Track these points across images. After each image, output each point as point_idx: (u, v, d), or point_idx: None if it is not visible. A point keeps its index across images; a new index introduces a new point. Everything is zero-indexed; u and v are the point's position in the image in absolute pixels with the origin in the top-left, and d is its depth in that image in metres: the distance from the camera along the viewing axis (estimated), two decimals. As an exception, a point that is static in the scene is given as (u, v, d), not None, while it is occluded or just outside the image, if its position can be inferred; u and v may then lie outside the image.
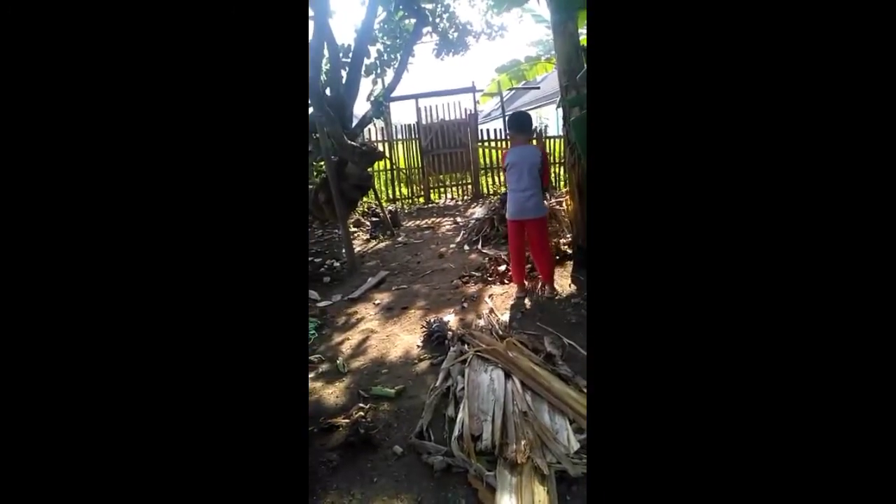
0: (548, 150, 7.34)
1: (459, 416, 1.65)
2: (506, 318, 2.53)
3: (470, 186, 7.35)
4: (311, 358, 2.33)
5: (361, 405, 1.84)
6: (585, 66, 2.63)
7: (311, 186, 4.46)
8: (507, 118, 2.81)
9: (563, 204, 4.11)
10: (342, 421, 1.72)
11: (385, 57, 5.67)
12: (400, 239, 4.91)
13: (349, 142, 4.13)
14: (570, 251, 3.42)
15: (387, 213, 5.44)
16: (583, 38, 3.39)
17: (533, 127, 2.73)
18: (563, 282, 3.03)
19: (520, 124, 2.79)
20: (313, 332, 2.67)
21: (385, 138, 7.11)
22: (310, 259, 4.10)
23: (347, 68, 4.67)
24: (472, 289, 3.14)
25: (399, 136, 7.31)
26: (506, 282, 3.17)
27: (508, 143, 2.92)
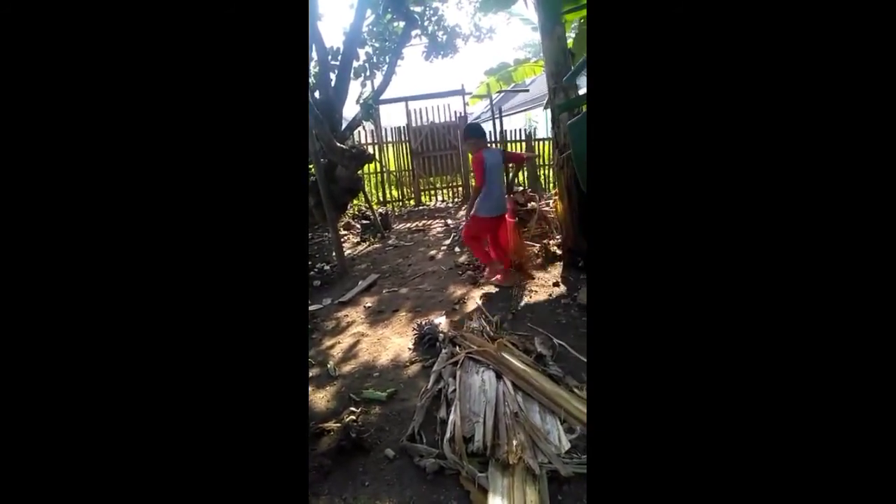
0: (537, 153, 7.39)
1: (451, 418, 1.65)
2: (497, 319, 2.54)
3: (460, 188, 7.37)
4: (302, 362, 2.31)
5: (352, 409, 1.83)
6: (572, 68, 2.66)
7: (300, 189, 4.42)
8: (466, 129, 3.17)
9: (552, 205, 4.14)
10: (333, 425, 1.71)
11: (374, 59, 5.67)
12: (390, 241, 4.90)
13: (338, 145, 4.12)
14: (559, 252, 3.45)
15: (377, 215, 5.43)
16: (570, 41, 3.43)
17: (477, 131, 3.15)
18: (553, 281, 3.05)
19: (481, 131, 3.09)
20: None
21: (375, 141, 7.10)
22: (299, 262, 4.06)
23: (336, 71, 4.66)
24: (463, 290, 3.14)
25: (389, 139, 7.30)
26: (494, 284, 3.18)
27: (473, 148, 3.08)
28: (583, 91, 2.84)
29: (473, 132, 3.07)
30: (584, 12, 2.68)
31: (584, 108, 2.26)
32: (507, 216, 3.17)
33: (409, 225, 5.80)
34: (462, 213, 5.91)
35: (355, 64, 5.01)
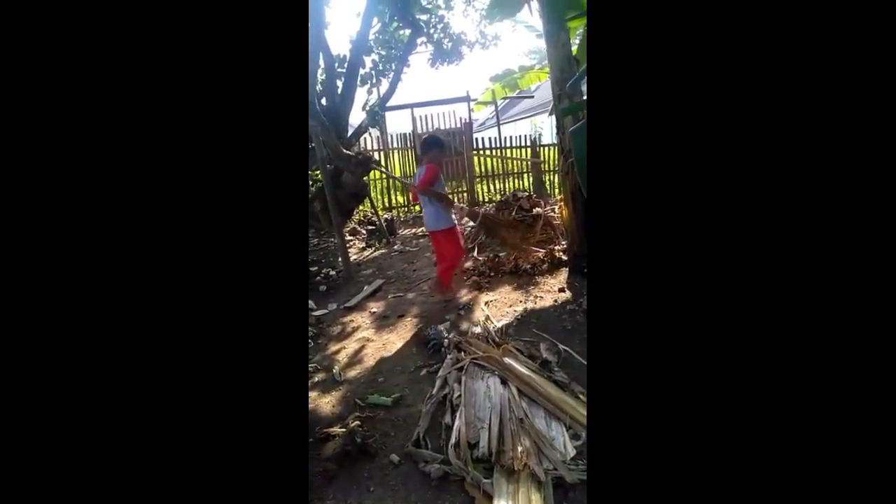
0: (542, 158, 7.39)
1: (456, 423, 1.65)
2: (502, 324, 2.53)
3: (466, 194, 7.38)
4: (307, 367, 2.32)
5: (358, 414, 1.83)
6: (576, 74, 2.68)
7: (306, 195, 4.46)
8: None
9: (558, 211, 4.14)
10: (338, 430, 1.71)
11: (380, 67, 5.73)
12: (396, 247, 4.91)
13: (345, 151, 4.15)
14: (565, 258, 3.44)
15: (383, 221, 5.45)
16: (574, 48, 3.44)
17: (437, 146, 2.97)
18: (559, 287, 3.04)
19: (421, 147, 3.09)
20: (309, 341, 2.66)
21: (381, 147, 7.15)
22: (306, 268, 4.08)
23: (343, 78, 4.71)
24: (468, 296, 3.14)
25: (395, 145, 7.35)
26: (497, 288, 3.17)
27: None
28: (586, 97, 2.85)
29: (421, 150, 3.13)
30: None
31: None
32: (447, 230, 2.94)
33: (414, 230, 5.81)
34: (466, 218, 5.92)
35: (362, 71, 5.07)
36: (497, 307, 2.88)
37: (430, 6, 5.68)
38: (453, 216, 3.00)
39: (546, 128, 12.58)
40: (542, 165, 7.39)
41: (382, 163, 6.73)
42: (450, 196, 2.87)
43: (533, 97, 11.81)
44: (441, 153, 2.97)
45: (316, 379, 2.22)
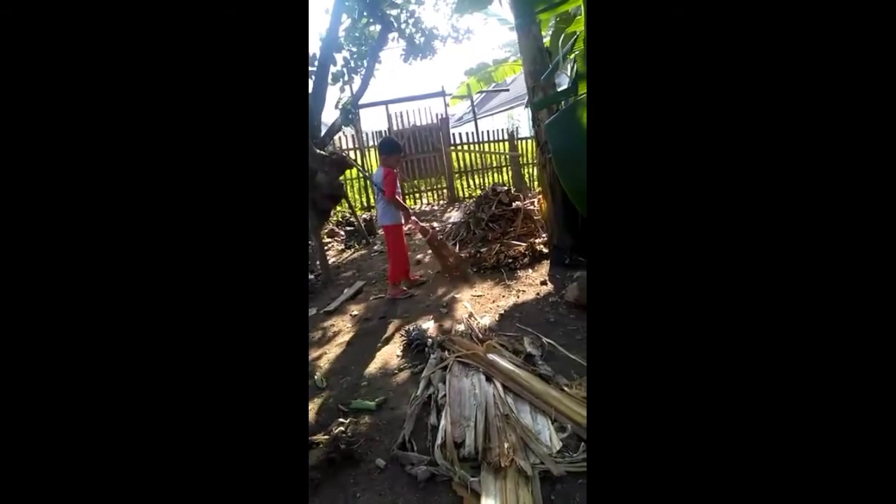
0: (519, 151, 7.42)
1: (442, 423, 1.63)
2: (485, 321, 2.53)
3: (445, 190, 7.36)
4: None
5: (341, 420, 1.79)
6: (549, 66, 2.67)
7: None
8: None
9: (537, 204, 4.15)
10: (322, 437, 1.67)
11: (352, 64, 5.63)
12: (376, 247, 4.86)
13: (318, 151, 4.07)
14: (545, 250, 3.46)
15: (361, 221, 5.38)
16: (547, 40, 3.45)
17: (392, 148, 3.21)
18: (540, 280, 3.06)
19: (379, 148, 3.32)
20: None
21: (356, 146, 7.05)
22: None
23: (313, 77, 4.61)
24: (450, 294, 3.12)
25: (370, 144, 7.26)
26: (479, 288, 3.17)
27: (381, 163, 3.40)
28: (560, 89, 2.85)
29: (379, 149, 3.31)
30: (557, 10, 2.70)
31: (562, 106, 2.27)
32: (392, 227, 3.18)
33: (394, 229, 5.76)
34: (448, 215, 5.90)
35: (333, 69, 4.96)
36: (480, 303, 2.88)
37: (399, 1, 5.60)
38: (405, 223, 3.19)
39: (523, 120, 12.65)
40: (521, 158, 7.41)
41: (359, 161, 6.64)
42: (406, 206, 3.20)
43: (508, 90, 11.84)
44: (390, 158, 3.16)
45: (298, 386, 2.17)
